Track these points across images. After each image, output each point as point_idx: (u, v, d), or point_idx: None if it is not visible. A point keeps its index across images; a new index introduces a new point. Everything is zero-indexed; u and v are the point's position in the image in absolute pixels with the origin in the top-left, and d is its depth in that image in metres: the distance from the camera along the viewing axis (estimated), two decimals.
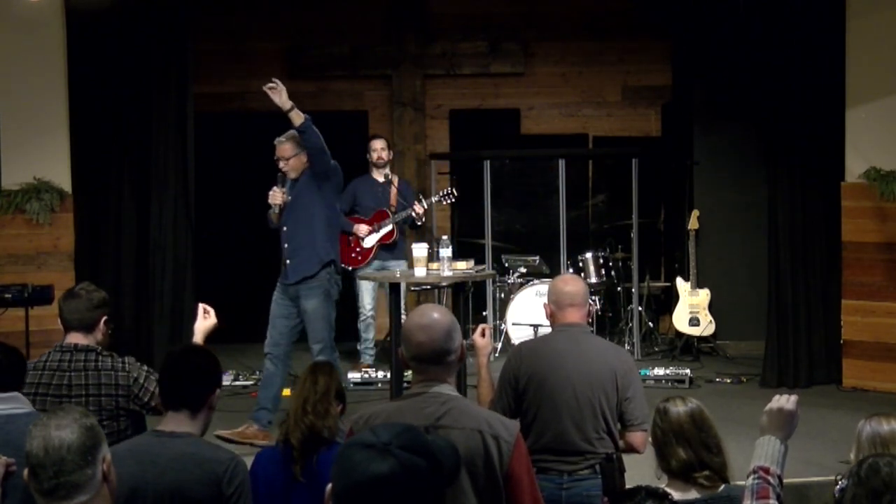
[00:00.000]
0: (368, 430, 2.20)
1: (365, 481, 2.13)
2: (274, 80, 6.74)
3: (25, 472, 2.68)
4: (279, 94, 6.70)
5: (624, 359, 4.52)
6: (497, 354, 8.90)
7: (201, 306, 4.55)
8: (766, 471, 2.98)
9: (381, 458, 2.16)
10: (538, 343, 4.68)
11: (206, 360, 3.64)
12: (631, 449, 4.35)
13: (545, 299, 4.59)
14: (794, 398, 3.10)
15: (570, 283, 4.55)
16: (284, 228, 7.02)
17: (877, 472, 2.65)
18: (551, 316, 4.54)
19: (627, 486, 4.03)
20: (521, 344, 4.75)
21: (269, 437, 6.42)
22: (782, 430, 3.05)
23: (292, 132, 6.93)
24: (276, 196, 6.99)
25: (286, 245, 7.01)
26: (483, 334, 4.55)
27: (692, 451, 3.46)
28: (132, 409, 4.34)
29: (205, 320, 4.48)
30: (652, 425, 3.62)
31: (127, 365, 4.37)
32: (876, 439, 3.43)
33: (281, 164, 7.00)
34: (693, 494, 3.44)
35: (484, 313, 9.76)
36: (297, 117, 6.73)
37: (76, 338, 4.36)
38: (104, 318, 4.43)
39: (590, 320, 4.58)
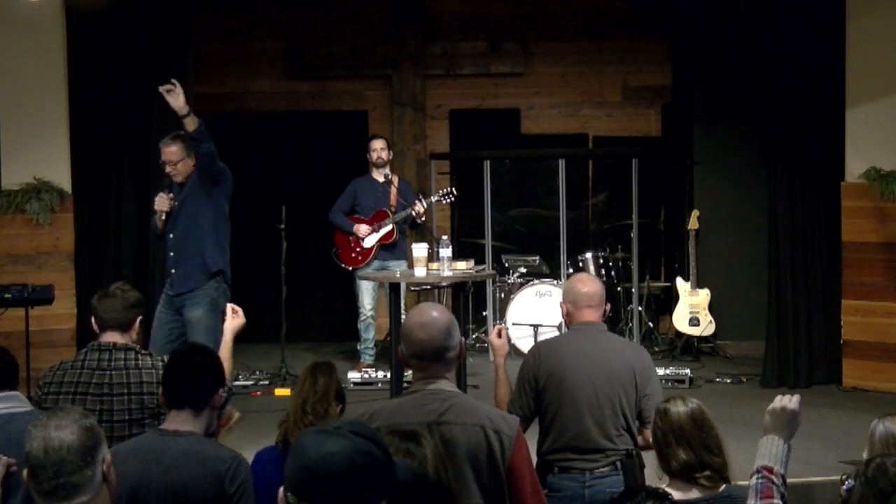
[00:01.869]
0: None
1: (318, 458, 2.16)
2: (172, 80, 6.34)
3: (25, 472, 2.68)
4: (176, 97, 6.31)
5: (642, 356, 4.54)
6: None
7: (229, 306, 4.63)
8: (770, 470, 2.99)
9: (332, 439, 2.20)
10: (556, 342, 4.69)
11: (209, 360, 3.66)
12: (649, 446, 4.36)
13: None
14: (796, 398, 3.11)
15: (587, 283, 4.57)
16: (171, 236, 6.70)
17: (884, 473, 2.65)
18: (567, 315, 4.56)
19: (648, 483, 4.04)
20: (539, 343, 4.75)
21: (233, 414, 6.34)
22: (785, 429, 3.06)
23: (178, 134, 6.62)
24: (164, 202, 6.65)
25: (171, 254, 6.70)
26: (499, 335, 4.57)
27: (692, 451, 3.46)
28: None
29: (234, 320, 4.52)
30: (652, 426, 3.62)
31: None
32: (889, 439, 3.42)
33: (168, 169, 6.65)
34: (694, 494, 3.44)
35: (484, 313, 9.76)
36: (192, 122, 6.34)
37: (113, 337, 4.35)
38: (139, 317, 4.44)
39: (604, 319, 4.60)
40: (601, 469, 4.30)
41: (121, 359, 4.30)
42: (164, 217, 6.68)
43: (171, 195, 6.67)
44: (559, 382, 4.35)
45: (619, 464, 4.29)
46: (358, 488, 2.19)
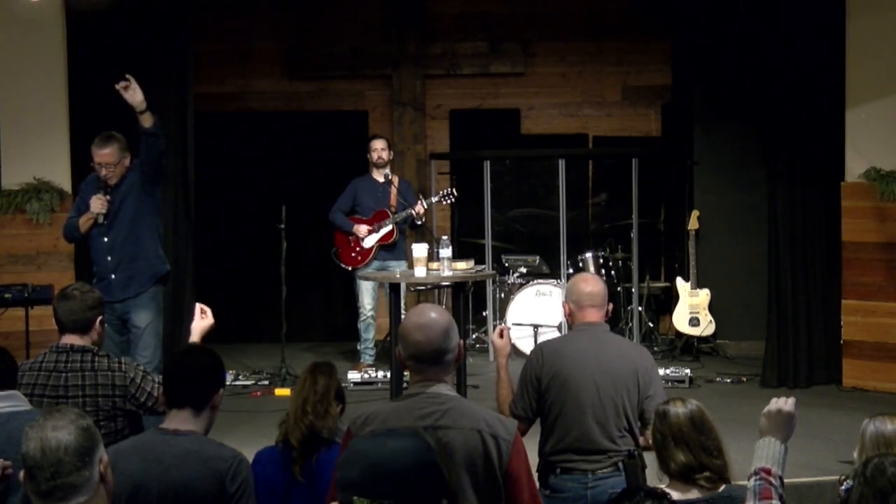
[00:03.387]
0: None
1: (388, 454, 2.24)
2: (128, 76, 6.17)
3: (21, 473, 2.68)
4: (133, 93, 6.14)
5: (645, 357, 4.54)
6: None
7: (198, 306, 4.52)
8: (768, 472, 3.01)
9: (393, 439, 2.29)
10: (559, 343, 4.69)
11: (210, 360, 3.66)
12: (651, 446, 4.36)
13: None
14: (791, 400, 3.13)
15: (590, 283, 4.56)
16: (105, 239, 6.40)
17: (882, 472, 2.67)
18: (570, 315, 4.56)
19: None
20: (542, 344, 4.75)
21: None
22: (782, 431, 3.08)
23: (110, 134, 6.39)
24: (104, 204, 6.35)
25: (109, 258, 6.40)
26: (501, 335, 4.56)
27: (691, 453, 3.45)
28: (129, 410, 4.34)
29: (202, 320, 4.48)
30: (652, 427, 3.62)
31: (123, 365, 4.37)
32: (880, 439, 3.44)
33: (104, 172, 6.34)
34: (694, 495, 3.43)
35: (484, 313, 9.76)
36: (150, 118, 6.20)
37: (72, 339, 4.36)
38: (99, 318, 4.44)
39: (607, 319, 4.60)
40: (603, 470, 4.30)
41: (77, 360, 4.31)
42: (101, 220, 6.39)
43: (108, 197, 6.39)
44: (562, 383, 4.34)
45: (621, 464, 4.29)
46: (427, 482, 2.25)
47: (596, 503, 4.25)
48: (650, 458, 4.04)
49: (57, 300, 4.42)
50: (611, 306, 4.61)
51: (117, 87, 6.17)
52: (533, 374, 4.41)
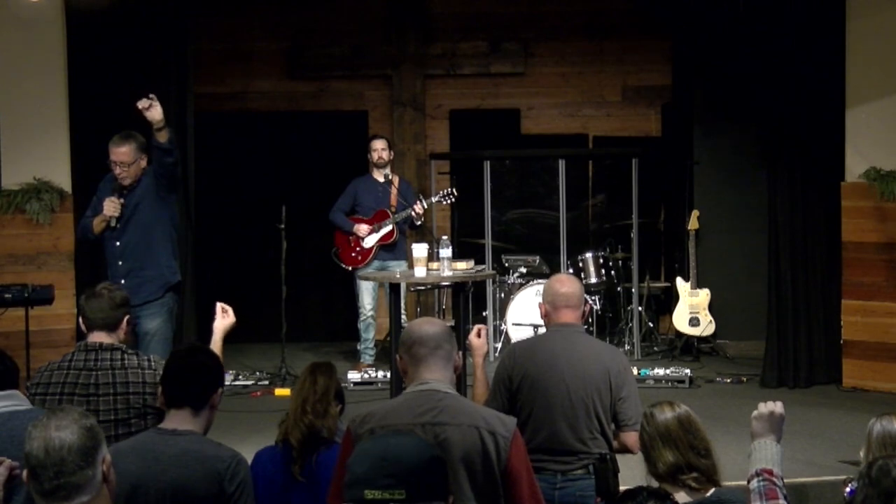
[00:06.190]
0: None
1: (394, 448, 2.32)
2: (151, 95, 6.10)
3: (25, 472, 2.68)
4: (154, 111, 6.06)
5: (618, 359, 4.52)
6: (497, 354, 8.92)
7: (219, 305, 4.54)
8: (770, 472, 3.03)
9: (393, 437, 2.39)
10: (532, 343, 4.71)
11: (208, 360, 3.67)
12: (625, 449, 4.36)
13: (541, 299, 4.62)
14: (779, 403, 3.18)
15: (565, 283, 4.56)
16: (117, 243, 6.36)
17: (887, 474, 2.69)
18: (546, 316, 4.56)
19: (624, 488, 4.04)
20: (515, 344, 4.77)
21: None
22: (777, 432, 3.13)
23: (129, 133, 6.31)
24: (117, 207, 6.30)
25: (120, 262, 6.35)
26: (479, 335, 4.58)
27: (679, 453, 3.44)
28: (159, 407, 4.34)
29: (223, 319, 4.49)
30: (640, 430, 3.61)
31: (153, 363, 4.36)
32: (886, 439, 3.44)
33: (118, 171, 6.27)
34: (683, 498, 3.40)
35: (484, 313, 9.76)
36: (166, 133, 6.13)
37: (100, 337, 4.36)
38: (127, 317, 4.45)
39: (589, 320, 4.60)
40: (574, 472, 4.30)
41: (107, 359, 4.30)
42: (113, 223, 6.33)
43: (122, 200, 6.34)
44: (533, 384, 4.35)
45: (591, 467, 4.29)
46: (433, 474, 2.33)
47: None
48: (632, 462, 4.03)
49: (85, 299, 4.41)
50: (587, 307, 4.61)
51: (139, 105, 6.09)
52: (505, 375, 4.43)
